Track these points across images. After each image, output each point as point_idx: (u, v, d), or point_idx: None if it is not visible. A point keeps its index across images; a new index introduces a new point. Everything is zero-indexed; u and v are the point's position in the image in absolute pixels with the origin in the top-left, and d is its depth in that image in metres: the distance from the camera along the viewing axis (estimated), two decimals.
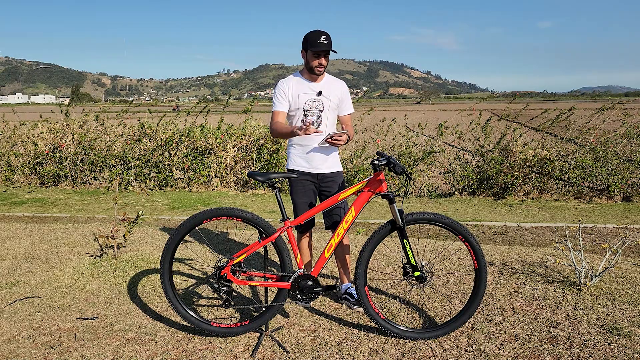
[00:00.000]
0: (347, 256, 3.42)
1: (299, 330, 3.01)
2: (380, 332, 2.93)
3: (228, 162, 8.87)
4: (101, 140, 9.40)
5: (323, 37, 2.99)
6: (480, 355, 2.66)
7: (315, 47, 2.98)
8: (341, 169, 3.36)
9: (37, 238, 5.12)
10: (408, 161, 8.34)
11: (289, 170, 3.29)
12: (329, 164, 3.25)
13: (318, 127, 3.19)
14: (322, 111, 3.18)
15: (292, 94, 3.16)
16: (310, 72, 3.13)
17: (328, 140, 3.00)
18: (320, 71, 3.10)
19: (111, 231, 4.29)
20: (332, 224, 3.30)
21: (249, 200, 8.00)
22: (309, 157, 3.21)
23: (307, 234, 3.41)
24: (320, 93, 3.15)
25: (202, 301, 3.49)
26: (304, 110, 3.16)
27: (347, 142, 3.16)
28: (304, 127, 2.78)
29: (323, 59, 3.05)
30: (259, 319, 2.87)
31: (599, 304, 3.27)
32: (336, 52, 3.10)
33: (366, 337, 2.90)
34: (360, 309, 3.23)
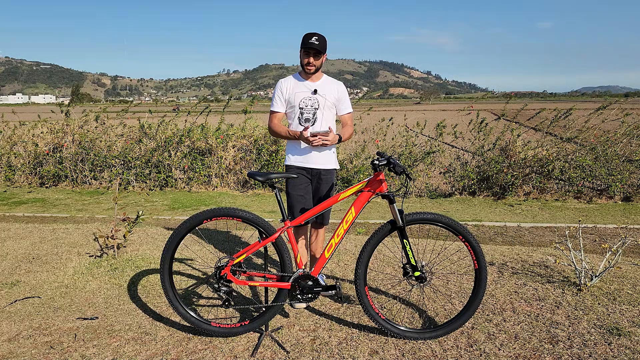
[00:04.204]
0: (322, 250, 3.47)
1: (299, 330, 3.01)
2: (380, 332, 2.93)
3: (228, 162, 8.87)
4: (101, 141, 9.40)
5: (314, 37, 3.15)
6: (481, 355, 2.66)
7: (305, 45, 3.15)
8: (336, 167, 3.43)
9: (37, 238, 5.12)
10: (408, 161, 8.34)
11: (286, 165, 3.39)
12: (324, 160, 3.33)
13: (313, 124, 3.29)
14: (317, 109, 3.27)
15: (288, 93, 3.30)
16: (303, 70, 3.28)
17: (310, 138, 3.10)
18: (310, 70, 3.22)
19: (111, 231, 4.29)
20: (317, 227, 3.47)
21: (249, 200, 8.00)
22: (305, 152, 3.30)
23: (303, 235, 3.45)
24: (315, 91, 3.26)
25: (202, 301, 3.49)
26: (300, 108, 3.27)
27: (339, 142, 3.29)
28: (309, 136, 3.08)
29: (312, 58, 3.18)
30: (259, 319, 2.87)
31: (599, 304, 3.27)
32: (323, 54, 3.21)
33: (366, 337, 2.90)
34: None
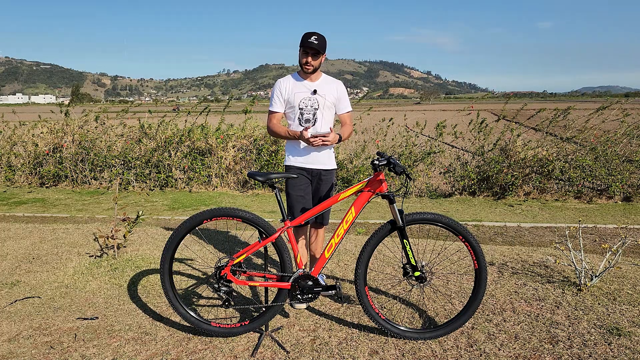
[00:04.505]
0: (322, 250, 3.48)
1: (299, 330, 3.01)
2: (380, 332, 2.93)
3: (228, 162, 8.87)
4: (101, 141, 9.40)
5: (314, 37, 3.13)
6: (481, 355, 2.66)
7: (304, 44, 3.14)
8: (335, 167, 3.44)
9: (37, 238, 5.12)
10: (408, 161, 8.34)
11: (286, 166, 3.39)
12: (324, 160, 3.33)
13: (314, 124, 3.28)
14: (317, 109, 3.26)
15: (288, 93, 3.29)
16: (302, 70, 3.26)
17: (311, 139, 3.09)
18: (308, 69, 3.21)
19: (111, 231, 4.29)
20: (315, 225, 3.48)
21: (249, 201, 8.01)
22: (305, 153, 3.30)
23: (303, 235, 3.45)
24: (315, 92, 3.25)
25: (202, 301, 3.49)
26: (299, 109, 3.26)
27: (339, 141, 3.28)
28: (310, 137, 3.07)
29: (310, 57, 3.17)
30: (259, 319, 2.87)
31: (599, 304, 3.27)
32: (322, 53, 3.19)
33: (366, 337, 2.90)
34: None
